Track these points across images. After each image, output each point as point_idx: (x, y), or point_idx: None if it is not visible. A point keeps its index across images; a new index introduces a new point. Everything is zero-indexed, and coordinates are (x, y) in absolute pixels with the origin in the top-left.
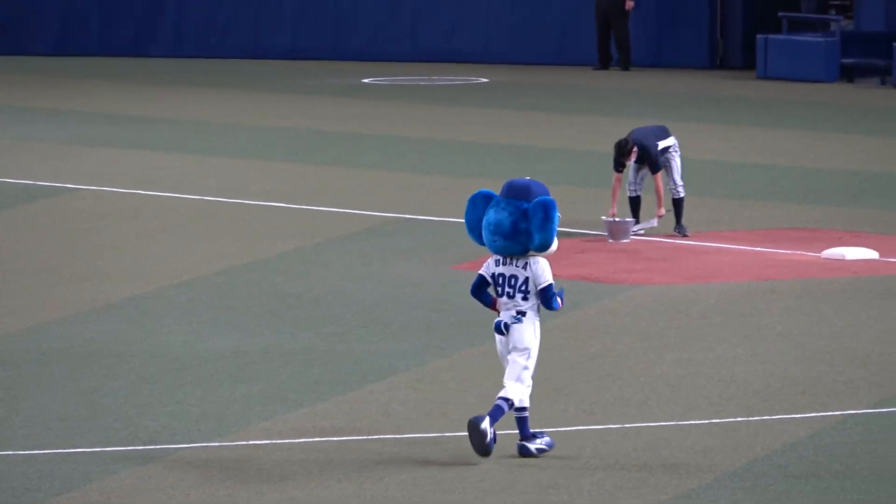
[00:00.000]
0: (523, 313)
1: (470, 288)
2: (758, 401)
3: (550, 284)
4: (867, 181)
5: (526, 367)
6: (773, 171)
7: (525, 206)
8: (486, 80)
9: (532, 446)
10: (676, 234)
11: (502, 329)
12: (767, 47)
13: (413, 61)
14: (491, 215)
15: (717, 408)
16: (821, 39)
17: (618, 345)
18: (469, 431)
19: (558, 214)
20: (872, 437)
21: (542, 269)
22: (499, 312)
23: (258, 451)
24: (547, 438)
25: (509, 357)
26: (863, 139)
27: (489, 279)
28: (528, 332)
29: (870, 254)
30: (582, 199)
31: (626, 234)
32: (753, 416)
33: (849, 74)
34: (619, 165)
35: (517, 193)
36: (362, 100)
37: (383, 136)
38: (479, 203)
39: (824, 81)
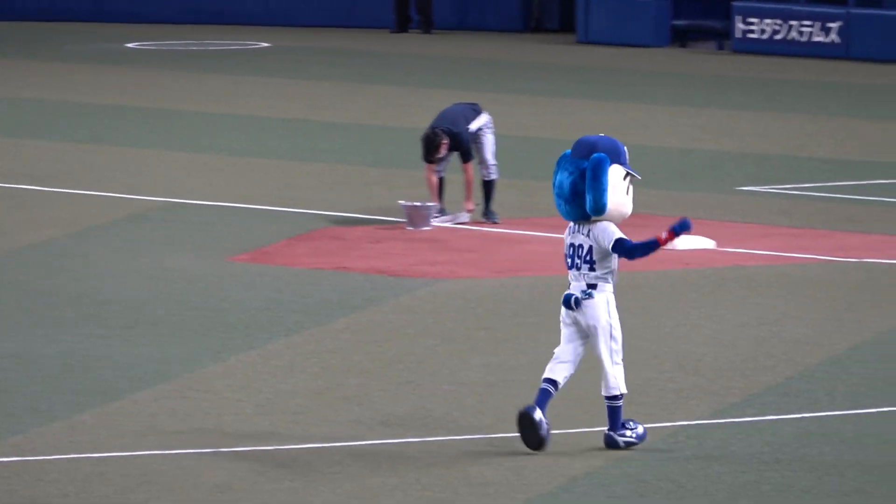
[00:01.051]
0: (593, 286)
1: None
2: (579, 411)
3: (619, 239)
4: (700, 160)
5: (612, 349)
6: None
7: (584, 164)
8: (266, 44)
9: (620, 438)
10: (485, 220)
11: (571, 304)
12: (588, 8)
13: (184, 23)
14: (556, 178)
15: None
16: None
17: (418, 348)
18: (521, 423)
19: (611, 171)
20: (706, 451)
21: (602, 229)
22: (569, 285)
23: (6, 471)
24: (640, 429)
25: (598, 343)
26: (696, 112)
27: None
28: (601, 308)
29: (705, 243)
30: (377, 181)
31: (427, 220)
32: (573, 429)
33: (681, 38)
34: (430, 160)
35: (581, 151)
36: (125, 67)
37: (149, 108)
38: (561, 165)
39: (654, 46)
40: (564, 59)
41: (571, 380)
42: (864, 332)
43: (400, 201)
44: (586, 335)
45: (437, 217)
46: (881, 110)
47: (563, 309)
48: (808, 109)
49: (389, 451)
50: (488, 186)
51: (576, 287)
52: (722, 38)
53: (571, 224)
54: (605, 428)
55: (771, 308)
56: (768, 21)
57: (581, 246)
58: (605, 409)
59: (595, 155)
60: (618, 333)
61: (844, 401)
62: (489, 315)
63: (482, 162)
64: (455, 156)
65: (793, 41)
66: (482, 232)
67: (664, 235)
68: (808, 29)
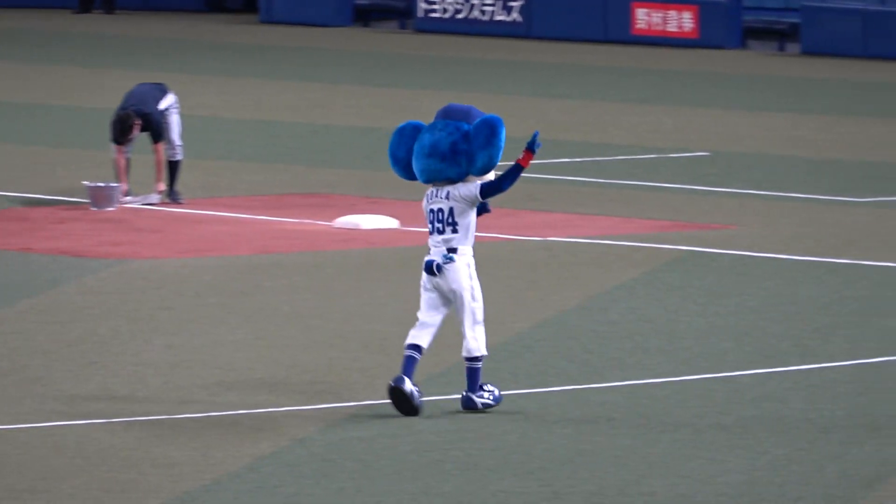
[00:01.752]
0: (454, 250)
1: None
2: (262, 391)
3: (483, 183)
4: (383, 139)
5: (474, 310)
6: (277, 129)
7: (466, 126)
8: None
9: (479, 400)
10: (170, 200)
11: (434, 270)
12: None
13: None
14: (426, 138)
15: (216, 399)
16: None
17: (101, 328)
18: (393, 396)
19: (504, 134)
20: (392, 430)
21: (464, 185)
22: (429, 250)
23: None
24: (496, 392)
25: (460, 307)
26: (379, 91)
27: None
28: (462, 272)
29: (388, 222)
30: (60, 162)
31: (110, 200)
32: (258, 409)
33: (364, 18)
34: (121, 141)
35: (457, 116)
36: None
37: None
38: (408, 133)
39: (336, 25)
40: (247, 38)
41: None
42: (546, 310)
43: (84, 182)
44: (448, 300)
45: (126, 198)
46: (562, 90)
47: (424, 275)
48: (490, 89)
49: (76, 431)
50: (173, 167)
51: (436, 252)
52: (404, 17)
53: (430, 191)
54: (463, 390)
55: None
56: (450, 0)
57: (441, 210)
58: (465, 370)
59: (489, 116)
60: (479, 296)
61: (528, 379)
62: (172, 295)
63: (168, 142)
64: (142, 136)
65: (475, 20)
66: (166, 212)
67: (522, 156)
68: (490, 8)
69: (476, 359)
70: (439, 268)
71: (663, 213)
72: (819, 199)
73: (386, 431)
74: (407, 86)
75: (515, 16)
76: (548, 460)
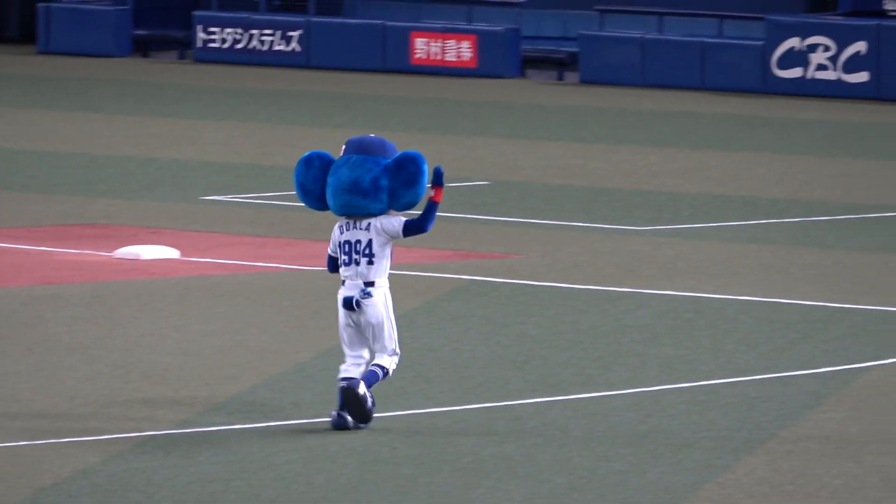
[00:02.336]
0: (371, 284)
1: (328, 269)
2: (44, 422)
3: (406, 221)
4: (163, 169)
5: (393, 339)
6: (57, 159)
7: (385, 161)
8: None
9: (363, 391)
10: None
11: (353, 306)
12: (49, 18)
13: None
14: (344, 173)
15: None
16: (111, 9)
17: None
18: (346, 398)
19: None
20: (174, 461)
21: (387, 219)
22: (343, 283)
23: None
24: (373, 402)
25: (377, 339)
26: (161, 122)
27: (337, 250)
28: (381, 307)
29: (169, 252)
30: None
31: None
32: (39, 440)
33: (143, 48)
34: None
35: (372, 150)
36: None
37: None
38: (316, 163)
39: (116, 56)
40: (25, 69)
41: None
42: (329, 339)
43: None
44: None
45: None
46: (342, 119)
47: (341, 311)
48: (269, 118)
49: None
50: None
51: (352, 286)
52: (184, 47)
53: (345, 222)
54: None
55: (236, 317)
56: (229, 30)
57: (359, 241)
58: (368, 369)
59: (411, 152)
60: (395, 326)
61: (311, 409)
62: None
63: None
64: None
65: (255, 50)
66: None
67: (434, 193)
68: (270, 38)
69: (383, 368)
70: (358, 304)
71: (445, 242)
72: (598, 227)
73: (168, 462)
74: (186, 116)
75: (294, 45)
76: (330, 490)
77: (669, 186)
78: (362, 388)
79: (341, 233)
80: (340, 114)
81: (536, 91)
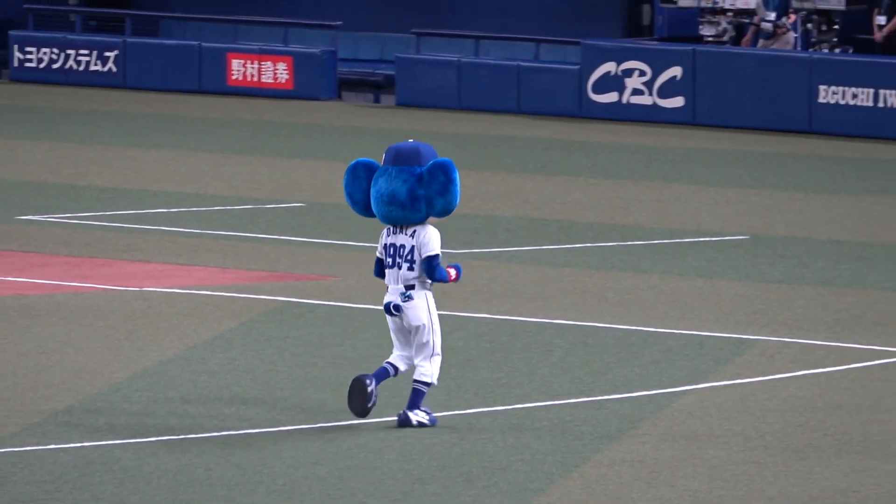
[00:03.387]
0: (411, 287)
1: (374, 272)
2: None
3: (436, 255)
4: None
5: (431, 343)
6: None
7: (419, 170)
8: None
9: (414, 417)
10: None
11: (391, 311)
12: None
13: None
14: (382, 185)
15: None
16: None
17: None
18: (353, 388)
19: (458, 176)
20: None
21: (429, 238)
22: (387, 288)
23: None
24: (433, 416)
25: (419, 339)
26: None
27: (382, 254)
28: (421, 309)
29: None
30: None
31: None
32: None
33: None
34: None
35: (407, 159)
36: None
37: None
38: (361, 173)
39: None
40: None
41: None
42: (143, 360)
43: None
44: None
45: None
46: (158, 140)
47: (387, 315)
48: (84, 139)
49: None
50: None
51: (394, 291)
52: (0, 67)
53: (391, 228)
54: (402, 409)
55: (51, 337)
56: (45, 50)
57: (403, 246)
58: (411, 390)
59: (440, 159)
60: (437, 329)
61: (126, 430)
62: None
63: None
64: None
65: (71, 70)
66: None
67: (454, 275)
68: (86, 58)
69: (425, 383)
70: (398, 307)
71: (261, 263)
72: None
73: None
74: (2, 135)
75: (111, 66)
76: None
77: (486, 210)
78: (371, 387)
79: (388, 235)
80: (156, 134)
81: (353, 113)
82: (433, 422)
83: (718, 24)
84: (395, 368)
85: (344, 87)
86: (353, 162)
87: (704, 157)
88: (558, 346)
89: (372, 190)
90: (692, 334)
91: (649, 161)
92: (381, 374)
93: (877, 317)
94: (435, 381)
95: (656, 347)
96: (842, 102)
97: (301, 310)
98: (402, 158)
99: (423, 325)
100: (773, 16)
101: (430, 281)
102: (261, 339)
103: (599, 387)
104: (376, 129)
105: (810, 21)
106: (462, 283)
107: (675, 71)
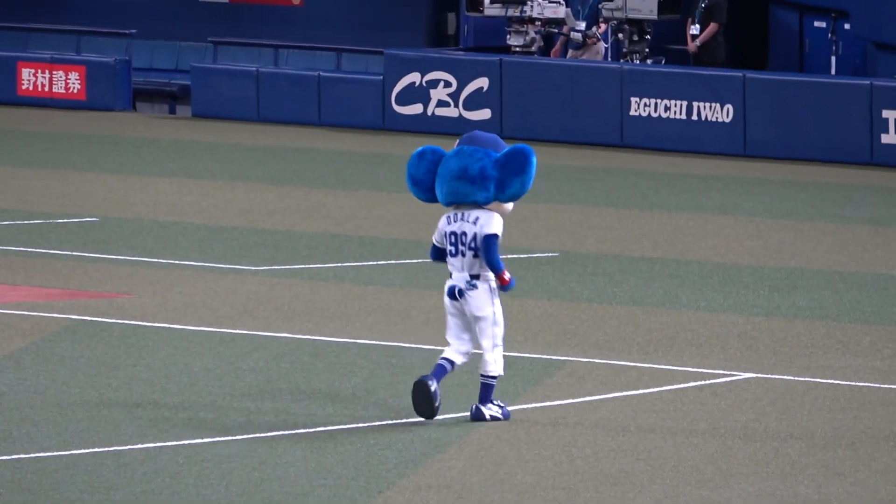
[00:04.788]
0: (476, 276)
1: (430, 257)
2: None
3: (495, 235)
4: None
5: (495, 334)
6: None
7: (495, 155)
8: None
9: (487, 412)
10: None
11: (455, 295)
12: None
13: None
14: (453, 163)
15: None
16: None
17: None
18: (417, 394)
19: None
20: None
21: (491, 220)
22: (450, 274)
23: None
24: (506, 410)
25: (477, 328)
26: None
27: (443, 240)
28: (484, 297)
29: None
30: None
31: None
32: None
33: None
34: None
35: (484, 143)
36: None
37: None
38: (428, 156)
39: None
40: None
41: None
42: None
43: None
44: (471, 322)
45: None
46: None
47: (447, 299)
48: None
49: None
50: None
51: (458, 278)
52: None
53: (452, 213)
54: (474, 404)
55: None
56: None
57: (465, 233)
58: (480, 385)
59: (521, 145)
60: (500, 320)
61: None
62: None
63: None
64: None
65: None
66: None
67: (507, 277)
68: None
69: (492, 377)
70: (461, 293)
71: (52, 280)
72: (213, 267)
73: None
74: None
75: None
76: None
77: (286, 225)
78: (434, 387)
79: (448, 223)
80: None
81: (148, 125)
82: (506, 415)
83: (526, 33)
84: (452, 363)
85: (138, 97)
86: (420, 148)
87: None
88: (362, 367)
89: (440, 170)
90: (504, 356)
91: None
92: (440, 372)
93: (690, 337)
94: (501, 372)
95: (463, 368)
96: (654, 115)
97: (95, 328)
98: (478, 142)
99: (486, 315)
100: (582, 25)
101: (486, 263)
102: (52, 359)
103: (405, 409)
104: (172, 141)
105: (621, 31)
106: (262, 302)
107: (482, 82)
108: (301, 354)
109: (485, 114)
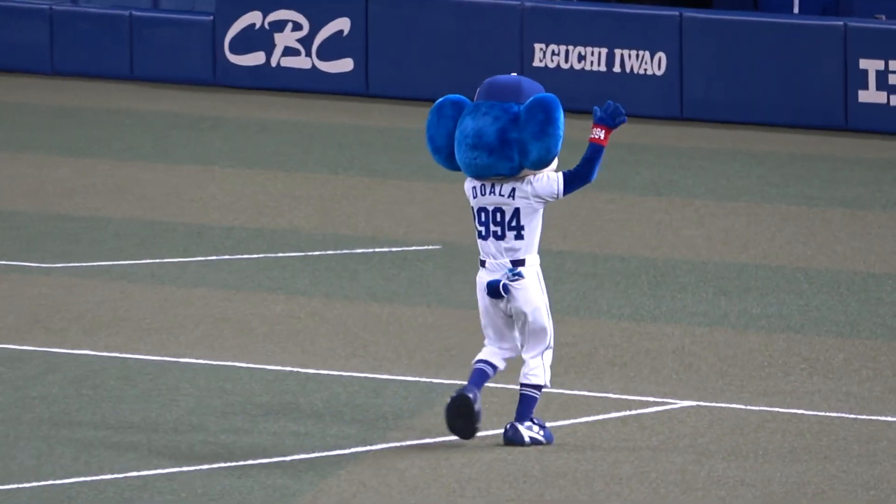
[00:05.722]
0: (520, 262)
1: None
2: None
3: (565, 173)
4: None
5: (547, 332)
6: None
7: (516, 108)
8: None
9: (527, 432)
10: None
11: (500, 292)
12: None
13: None
14: (468, 124)
15: None
16: None
17: None
18: (455, 407)
19: (563, 117)
20: None
21: (539, 181)
22: (482, 264)
23: None
24: (548, 431)
25: (524, 327)
26: None
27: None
28: (534, 290)
29: None
30: None
31: None
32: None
33: None
34: None
35: (504, 93)
36: None
37: None
38: (448, 111)
39: None
40: None
41: None
42: None
43: None
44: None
45: None
46: None
47: (484, 298)
48: None
49: None
50: None
51: (495, 267)
52: None
53: (478, 184)
54: (510, 422)
55: None
56: None
57: (501, 210)
58: (519, 396)
59: (541, 94)
60: (550, 312)
61: None
62: None
63: None
64: None
65: None
66: None
67: (602, 135)
68: None
69: (536, 387)
70: (507, 289)
71: None
72: None
73: None
74: None
75: None
76: None
77: (88, 209)
78: (477, 403)
79: (475, 196)
80: None
81: None
82: (549, 438)
83: None
84: (494, 367)
85: None
86: (440, 99)
87: (383, 140)
88: (187, 394)
89: (457, 133)
90: (367, 378)
91: (309, 145)
92: (480, 380)
93: (611, 354)
94: (548, 383)
95: (318, 395)
96: (564, 66)
97: None
98: (496, 92)
99: (536, 310)
100: None
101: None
102: None
103: (241, 448)
104: None
105: None
106: (56, 309)
107: (341, 24)
108: (108, 377)
109: (345, 65)
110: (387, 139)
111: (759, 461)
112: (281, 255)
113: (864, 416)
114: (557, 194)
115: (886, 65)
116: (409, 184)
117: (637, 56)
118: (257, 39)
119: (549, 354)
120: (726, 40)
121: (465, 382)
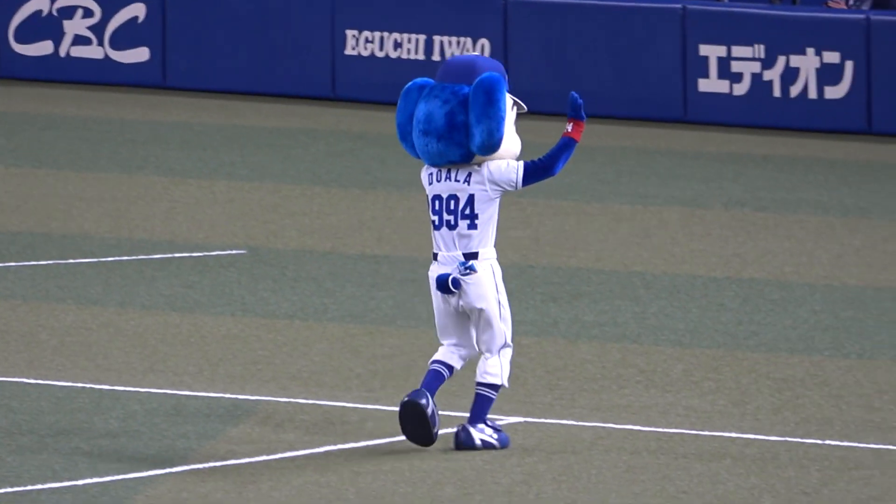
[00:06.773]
0: (473, 255)
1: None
2: None
3: (526, 163)
4: None
5: (500, 330)
6: None
7: (466, 90)
8: None
9: (478, 435)
10: None
11: (450, 287)
12: None
13: None
14: (421, 108)
15: None
16: None
17: None
18: (408, 415)
19: (508, 96)
20: None
21: (498, 168)
22: (435, 257)
23: None
24: (503, 435)
25: (478, 324)
26: None
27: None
28: (488, 285)
29: None
30: None
31: None
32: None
33: None
34: None
35: (456, 74)
36: None
37: None
38: (413, 95)
39: None
40: None
41: None
42: None
43: None
44: (468, 316)
45: None
46: None
47: (438, 294)
48: None
49: None
50: None
51: (447, 260)
52: None
53: (434, 170)
54: (461, 423)
55: None
56: None
57: (455, 197)
58: (474, 396)
59: (486, 75)
60: (508, 311)
61: None
62: None
63: None
64: None
65: None
66: None
67: (571, 128)
68: None
69: (492, 386)
70: (457, 283)
71: None
72: None
73: None
74: None
75: None
76: None
77: None
78: (430, 408)
79: (430, 183)
80: None
81: None
82: (504, 441)
83: None
84: (450, 368)
85: None
86: (410, 83)
87: (181, 136)
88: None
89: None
90: (166, 394)
91: (99, 142)
92: (433, 382)
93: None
94: (505, 383)
95: (113, 413)
96: (378, 54)
97: None
98: (448, 73)
99: (489, 306)
100: None
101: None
102: None
103: (29, 472)
104: None
105: None
106: None
107: (136, 10)
108: None
109: (141, 54)
110: (185, 135)
111: (592, 481)
112: (71, 261)
113: (705, 432)
114: (516, 184)
115: (729, 50)
116: (211, 183)
117: (458, 43)
118: (44, 27)
119: (507, 353)
120: (554, 26)
121: (274, 398)
